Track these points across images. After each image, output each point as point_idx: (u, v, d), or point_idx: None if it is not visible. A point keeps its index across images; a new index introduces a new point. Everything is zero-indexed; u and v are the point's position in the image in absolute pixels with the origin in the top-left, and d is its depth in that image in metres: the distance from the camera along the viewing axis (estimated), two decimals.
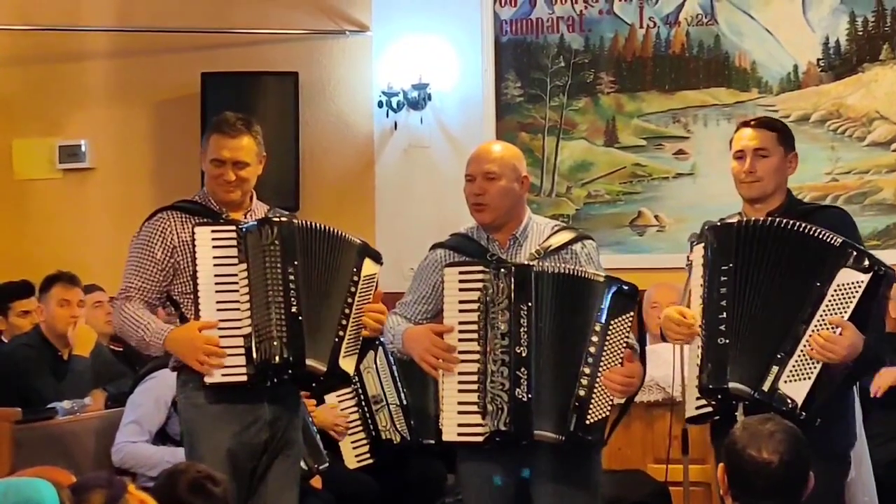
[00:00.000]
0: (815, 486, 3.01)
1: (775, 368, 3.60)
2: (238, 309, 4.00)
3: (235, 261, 4.02)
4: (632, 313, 3.78)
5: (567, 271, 3.84)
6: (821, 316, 3.59)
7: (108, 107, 7.77)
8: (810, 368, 3.58)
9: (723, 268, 3.71)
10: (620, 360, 3.75)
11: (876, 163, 6.89)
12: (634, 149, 7.20)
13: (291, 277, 4.00)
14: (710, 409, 3.76)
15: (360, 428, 5.52)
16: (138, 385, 5.22)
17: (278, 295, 3.99)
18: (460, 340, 3.82)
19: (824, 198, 6.67)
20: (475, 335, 3.80)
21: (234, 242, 4.02)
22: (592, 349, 3.74)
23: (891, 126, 6.88)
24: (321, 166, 7.51)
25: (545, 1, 7.28)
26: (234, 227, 4.05)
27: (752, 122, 4.01)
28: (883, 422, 5.14)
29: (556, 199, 7.26)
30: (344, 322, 4.06)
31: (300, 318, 3.99)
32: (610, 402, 3.75)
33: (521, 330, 3.76)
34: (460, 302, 3.83)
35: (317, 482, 5.22)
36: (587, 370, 3.74)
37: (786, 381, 3.59)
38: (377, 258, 4.19)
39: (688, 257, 4.26)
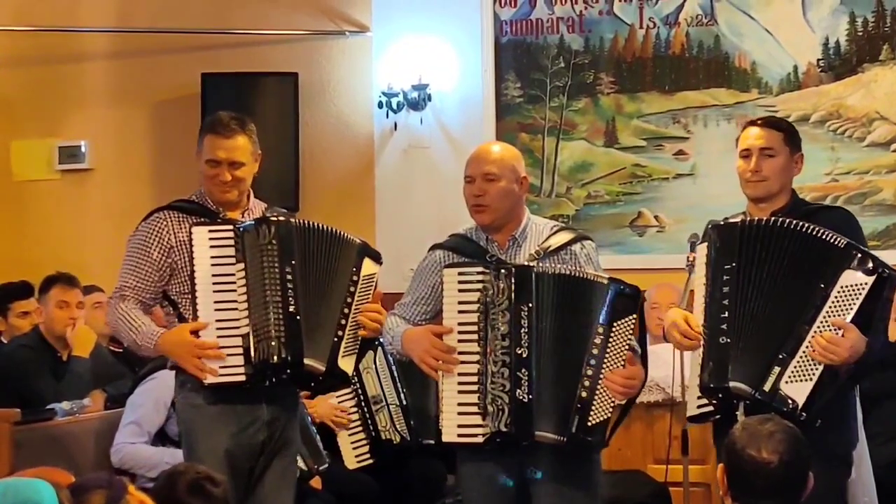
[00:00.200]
0: (817, 486, 3.01)
1: (777, 369, 3.60)
2: (236, 309, 3.99)
3: (233, 260, 4.01)
4: (634, 315, 3.78)
5: (568, 272, 3.84)
6: (824, 317, 3.58)
7: (107, 107, 7.76)
8: (812, 369, 3.58)
9: (726, 267, 3.71)
10: (623, 363, 3.75)
11: (876, 163, 6.89)
12: (634, 149, 7.20)
13: (289, 277, 4.00)
14: (711, 408, 3.76)
15: (360, 428, 5.52)
16: (138, 386, 5.22)
17: (276, 294, 3.98)
18: (460, 341, 3.82)
19: (824, 198, 6.67)
20: (475, 336, 3.80)
21: (231, 242, 4.02)
22: (595, 351, 3.74)
23: (891, 126, 6.88)
24: (321, 167, 7.50)
25: (545, 1, 7.28)
26: (231, 227, 4.04)
27: (759, 122, 4.01)
28: (882, 421, 5.14)
29: (556, 200, 7.26)
30: (343, 322, 4.06)
31: (298, 317, 3.98)
32: (612, 404, 3.74)
33: (522, 331, 3.76)
34: (460, 303, 3.82)
35: (317, 483, 5.22)
36: (589, 372, 3.73)
37: (787, 382, 3.59)
38: (377, 258, 4.18)
39: (688, 257, 4.26)
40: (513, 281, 3.77)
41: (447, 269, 3.89)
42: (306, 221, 4.15)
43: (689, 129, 7.12)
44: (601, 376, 3.73)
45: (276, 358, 3.96)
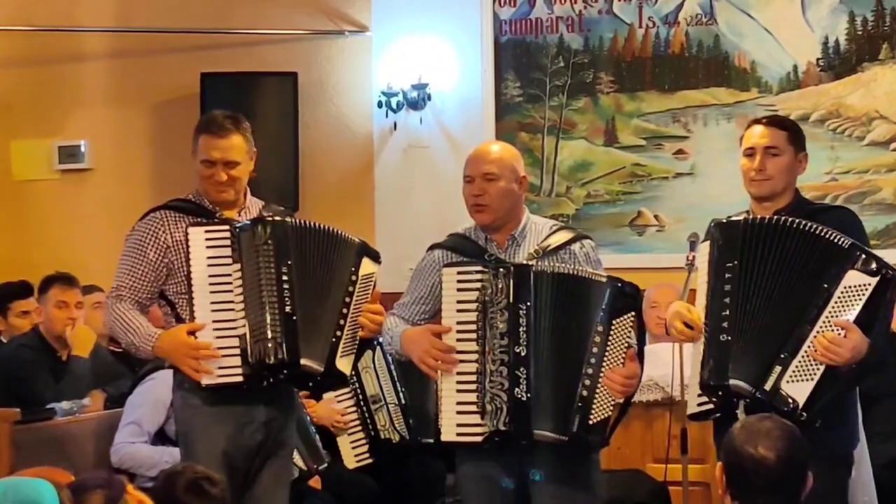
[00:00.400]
0: (819, 486, 3.00)
1: (778, 368, 3.59)
2: (232, 309, 3.99)
3: (229, 261, 4.01)
4: (633, 313, 3.77)
5: (566, 271, 3.84)
6: (826, 317, 3.58)
7: (106, 107, 7.76)
8: (813, 370, 3.57)
9: (728, 265, 3.70)
10: (622, 360, 3.75)
11: (875, 162, 6.89)
12: (634, 149, 7.19)
13: (285, 277, 3.99)
14: (711, 406, 3.76)
15: (359, 428, 5.52)
16: (137, 386, 5.23)
17: (272, 295, 3.97)
18: (458, 341, 3.82)
19: (823, 197, 6.67)
20: (474, 335, 3.80)
21: (227, 242, 4.01)
22: (595, 349, 3.74)
23: (890, 125, 6.88)
24: (321, 167, 7.50)
25: (544, 1, 7.28)
26: (227, 227, 4.03)
27: (764, 120, 4.00)
28: (882, 421, 5.14)
29: (556, 199, 7.26)
30: (342, 322, 4.06)
31: (295, 317, 3.97)
32: (612, 403, 3.74)
33: (521, 329, 3.76)
34: (458, 302, 3.83)
35: (316, 482, 5.22)
36: (590, 370, 3.73)
37: (788, 382, 3.58)
38: (376, 257, 4.18)
39: (687, 257, 4.26)
40: (511, 280, 3.77)
41: (446, 268, 3.89)
42: (303, 221, 4.14)
43: (689, 128, 7.11)
44: (601, 375, 3.73)
45: (272, 358, 3.95)
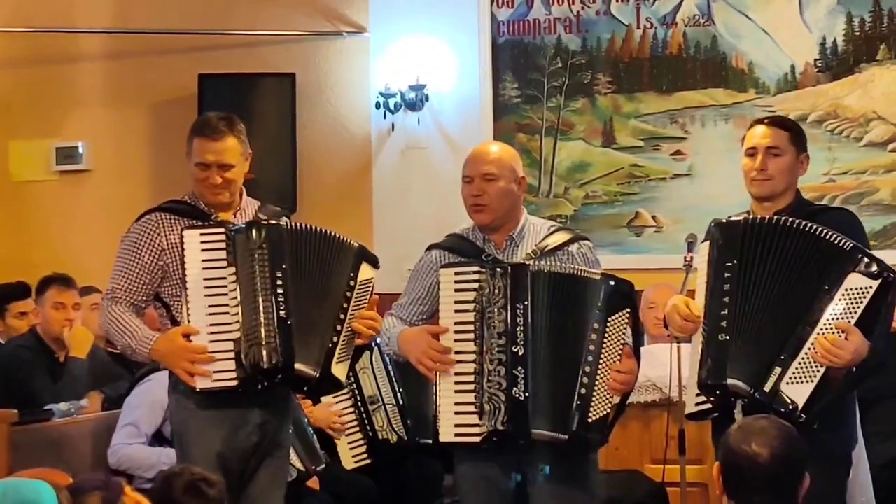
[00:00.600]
0: (817, 487, 3.00)
1: (778, 370, 3.59)
2: (227, 313, 3.97)
3: (224, 263, 3.98)
4: (628, 310, 3.77)
5: (562, 270, 3.84)
6: (827, 320, 3.57)
7: (104, 108, 7.76)
8: (813, 371, 3.57)
9: (727, 264, 3.70)
10: (619, 357, 3.75)
11: (873, 163, 6.90)
12: (632, 149, 7.20)
13: (280, 281, 3.96)
14: (709, 405, 3.76)
15: (357, 428, 5.52)
16: (135, 387, 5.22)
17: (267, 299, 3.95)
18: (456, 341, 3.81)
19: (821, 198, 6.67)
20: (471, 335, 3.80)
21: (222, 245, 3.99)
22: (591, 347, 3.73)
23: (888, 126, 6.88)
24: (319, 168, 7.50)
25: (542, 2, 7.28)
26: (222, 230, 4.01)
27: (766, 120, 3.99)
28: (880, 421, 5.14)
29: (554, 200, 7.27)
30: (339, 328, 4.02)
31: (289, 322, 3.95)
32: (610, 400, 3.74)
33: (518, 329, 3.76)
34: (456, 303, 3.82)
35: (314, 483, 5.22)
36: (587, 368, 3.73)
37: (788, 383, 3.58)
38: (374, 262, 4.14)
39: (685, 258, 4.26)
40: (509, 279, 3.77)
41: (443, 269, 3.89)
42: (301, 224, 4.12)
43: (687, 129, 7.12)
44: (598, 372, 3.73)
45: (267, 363, 3.93)
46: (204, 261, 3.98)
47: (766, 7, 7.04)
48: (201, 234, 4.01)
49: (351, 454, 5.49)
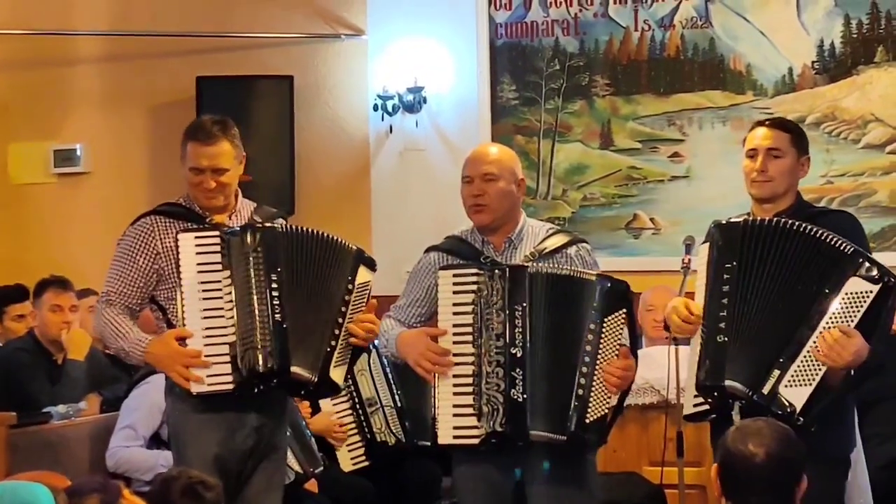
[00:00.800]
0: (816, 489, 2.99)
1: (777, 372, 3.58)
2: (223, 316, 3.96)
3: (219, 267, 3.98)
4: (624, 310, 3.77)
5: (559, 271, 3.84)
6: (827, 323, 3.56)
7: (103, 111, 7.77)
8: (813, 374, 3.56)
9: (726, 266, 3.69)
10: (616, 356, 3.75)
11: (871, 165, 6.90)
12: (630, 151, 7.20)
13: (275, 284, 3.95)
14: (707, 406, 3.76)
15: (355, 431, 5.52)
16: (133, 389, 5.22)
17: (262, 302, 3.94)
18: (455, 343, 3.81)
19: (818, 200, 6.66)
20: (470, 337, 3.80)
21: (217, 248, 3.98)
22: (588, 348, 3.74)
23: (885, 128, 6.88)
24: (317, 170, 7.50)
25: (540, 4, 7.29)
26: (217, 233, 4.01)
27: (767, 122, 4.00)
28: (878, 423, 5.14)
29: (552, 202, 7.27)
30: (336, 331, 4.01)
31: (284, 325, 3.94)
32: (608, 400, 3.74)
33: (517, 331, 3.76)
34: (454, 305, 3.82)
35: (312, 486, 5.22)
36: (584, 369, 3.73)
37: (786, 386, 3.58)
38: (372, 265, 4.13)
39: (683, 260, 4.26)
40: (507, 281, 3.77)
41: (442, 271, 3.89)
42: (297, 227, 4.12)
43: (685, 131, 7.12)
44: (595, 373, 3.73)
45: (261, 367, 3.92)
46: (199, 264, 3.97)
47: (764, 9, 7.04)
48: (196, 238, 4.00)
49: (349, 456, 5.50)
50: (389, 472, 5.57)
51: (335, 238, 4.10)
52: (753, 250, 3.68)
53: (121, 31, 7.70)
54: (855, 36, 6.92)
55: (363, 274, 4.08)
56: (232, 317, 3.96)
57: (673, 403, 4.65)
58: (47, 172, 7.78)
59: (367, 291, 4.11)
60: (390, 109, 7.34)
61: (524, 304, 3.77)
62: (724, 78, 7.07)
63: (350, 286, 4.04)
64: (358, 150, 7.50)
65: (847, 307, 3.56)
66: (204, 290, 3.97)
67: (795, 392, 3.57)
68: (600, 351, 3.74)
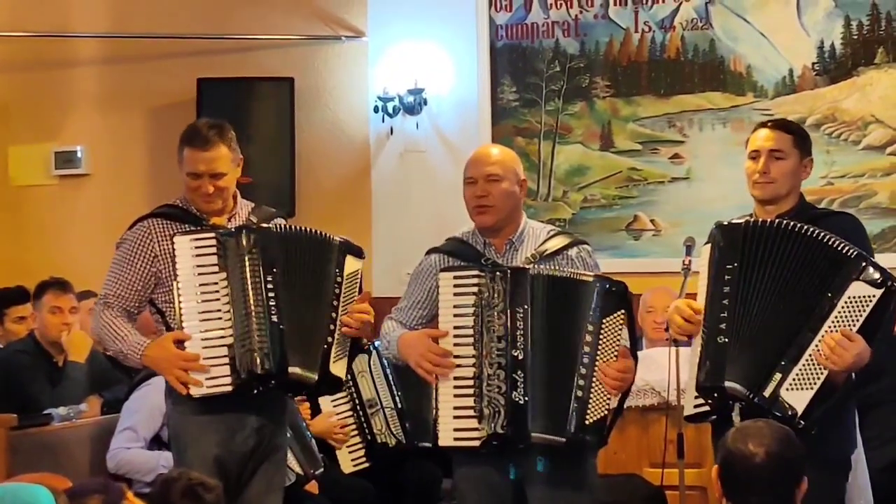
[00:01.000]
0: (816, 491, 3.00)
1: (778, 375, 3.58)
2: (220, 318, 3.97)
3: (216, 269, 3.98)
4: (623, 311, 3.77)
5: (558, 273, 3.84)
6: (829, 327, 3.56)
7: (103, 113, 7.77)
8: (814, 378, 3.56)
9: (728, 267, 3.69)
10: (615, 357, 3.75)
11: (871, 166, 6.90)
12: (630, 153, 7.20)
13: (270, 286, 3.96)
14: (707, 407, 3.75)
15: (356, 432, 5.53)
16: (134, 391, 5.22)
17: (258, 304, 3.95)
18: (456, 345, 3.82)
19: (819, 202, 6.65)
20: (471, 339, 3.80)
21: (214, 250, 3.99)
22: (587, 349, 3.74)
23: (886, 130, 6.88)
24: (317, 172, 7.51)
25: (540, 6, 7.29)
26: (213, 235, 4.01)
27: (770, 123, 3.99)
28: (878, 425, 5.14)
29: (553, 204, 7.27)
30: (332, 327, 4.02)
31: (281, 326, 3.95)
32: (607, 401, 3.74)
33: (518, 333, 3.76)
34: (455, 306, 3.83)
35: (313, 487, 5.23)
36: (583, 370, 3.73)
37: (788, 389, 3.57)
38: (359, 254, 4.13)
39: (683, 261, 4.26)
40: (508, 283, 3.78)
41: (443, 272, 3.89)
42: (287, 226, 4.12)
43: (685, 132, 7.12)
44: (595, 374, 3.73)
45: (259, 369, 3.93)
46: (196, 266, 3.98)
47: (764, 10, 7.04)
48: (192, 240, 4.00)
49: (349, 458, 5.50)
50: (390, 474, 5.58)
51: (320, 233, 4.10)
52: (755, 252, 3.67)
53: (121, 32, 7.71)
54: (855, 37, 6.92)
55: (351, 263, 4.08)
56: (229, 319, 3.96)
57: (673, 405, 4.65)
58: (48, 174, 7.79)
59: (358, 280, 4.11)
60: (391, 111, 7.34)
61: (525, 307, 3.77)
62: (724, 79, 7.07)
63: (339, 278, 4.04)
64: (358, 151, 7.50)
65: (849, 311, 3.55)
66: (201, 293, 3.98)
67: (797, 395, 3.56)
68: (599, 352, 3.74)
